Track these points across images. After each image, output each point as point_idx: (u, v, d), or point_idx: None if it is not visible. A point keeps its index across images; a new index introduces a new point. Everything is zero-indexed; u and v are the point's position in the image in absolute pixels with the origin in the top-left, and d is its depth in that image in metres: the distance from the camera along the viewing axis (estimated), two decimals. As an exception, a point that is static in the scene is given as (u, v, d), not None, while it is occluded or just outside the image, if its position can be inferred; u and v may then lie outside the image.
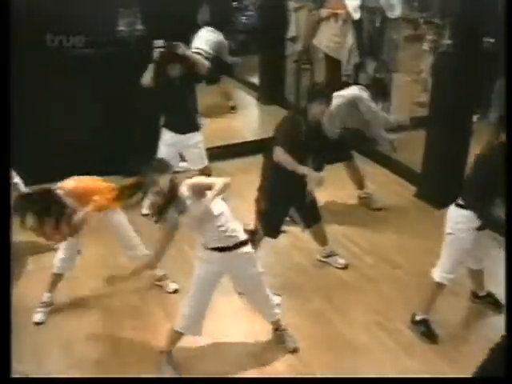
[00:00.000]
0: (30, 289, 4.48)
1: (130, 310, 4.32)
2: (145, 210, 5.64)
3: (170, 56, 5.25)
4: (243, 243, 3.59)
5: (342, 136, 5.46)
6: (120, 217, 4.25)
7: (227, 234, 3.50)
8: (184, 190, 3.37)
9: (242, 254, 3.58)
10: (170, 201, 3.39)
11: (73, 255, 4.25)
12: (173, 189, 3.39)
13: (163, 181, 3.38)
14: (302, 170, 4.14)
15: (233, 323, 4.17)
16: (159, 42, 6.03)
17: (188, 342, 3.81)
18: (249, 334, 4.05)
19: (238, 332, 4.08)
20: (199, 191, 3.36)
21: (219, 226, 3.46)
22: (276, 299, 3.86)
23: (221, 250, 3.53)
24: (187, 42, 6.65)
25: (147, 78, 5.28)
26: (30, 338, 4.03)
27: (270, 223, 4.47)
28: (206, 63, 5.60)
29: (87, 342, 4.01)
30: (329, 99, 4.45)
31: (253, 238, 3.95)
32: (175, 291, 4.41)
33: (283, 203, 4.47)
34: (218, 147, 6.55)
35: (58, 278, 4.26)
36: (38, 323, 4.18)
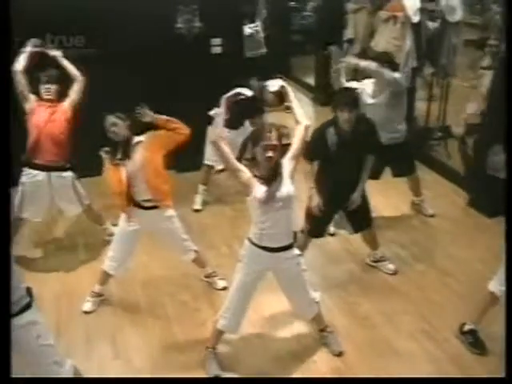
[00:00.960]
0: (84, 278, 4.59)
1: (179, 305, 4.37)
2: (197, 206, 5.76)
3: None
4: (292, 245, 3.55)
5: (405, 145, 5.34)
6: (173, 214, 4.27)
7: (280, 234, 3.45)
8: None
9: (291, 257, 3.54)
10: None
11: (122, 256, 4.28)
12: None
13: None
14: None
15: (278, 322, 4.16)
16: (216, 40, 6.10)
17: (234, 339, 3.84)
18: (294, 333, 4.04)
19: (283, 331, 4.08)
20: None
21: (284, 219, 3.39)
22: (315, 296, 3.79)
23: (271, 250, 3.48)
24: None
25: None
26: (79, 326, 4.12)
27: (316, 223, 4.46)
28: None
29: (134, 335, 4.07)
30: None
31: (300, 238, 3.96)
32: (224, 288, 4.41)
33: (331, 204, 4.41)
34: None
35: (107, 275, 4.34)
36: (86, 312, 4.27)
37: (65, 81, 4.79)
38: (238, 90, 4.81)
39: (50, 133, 4.64)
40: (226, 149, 3.33)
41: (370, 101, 5.04)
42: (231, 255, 4.75)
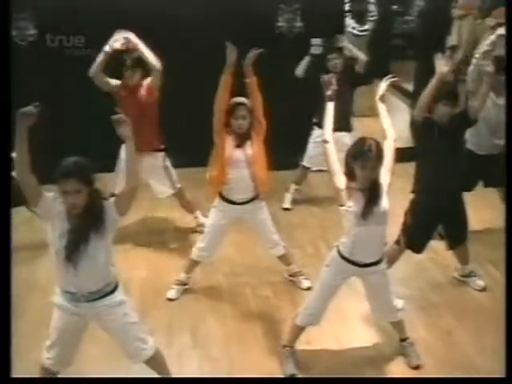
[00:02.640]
0: (170, 265, 4.71)
1: (261, 300, 4.40)
2: (286, 204, 5.79)
3: (331, 49, 5.28)
4: (382, 259, 3.47)
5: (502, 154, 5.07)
6: (264, 205, 4.31)
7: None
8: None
9: (379, 271, 3.47)
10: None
11: (213, 246, 4.37)
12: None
13: None
14: None
15: (358, 327, 4.12)
16: (317, 40, 6.09)
17: (311, 339, 3.83)
18: (372, 340, 3.99)
19: (362, 337, 4.03)
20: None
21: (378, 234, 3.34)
22: (398, 303, 3.71)
23: (360, 265, 3.41)
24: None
25: (301, 68, 5.35)
26: (162, 313, 4.23)
27: (414, 237, 4.28)
28: (365, 58, 5.56)
29: (214, 325, 4.13)
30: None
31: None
32: (308, 288, 4.40)
33: (431, 219, 4.27)
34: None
35: (194, 264, 4.43)
36: (170, 299, 4.38)
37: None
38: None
39: (140, 115, 4.72)
40: (333, 149, 3.34)
41: (499, 101, 4.77)
42: (317, 256, 4.74)
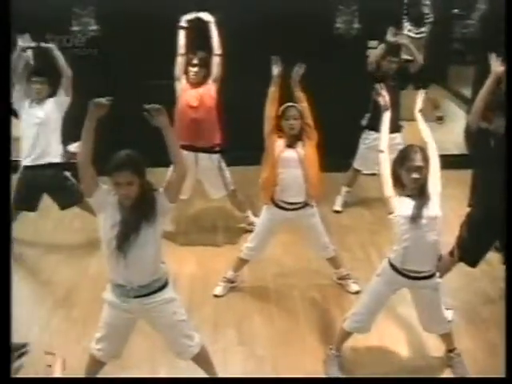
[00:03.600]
0: (219, 262, 4.74)
1: (308, 302, 4.38)
2: (337, 207, 5.76)
3: (389, 50, 5.25)
4: (435, 274, 3.40)
5: None
6: (316, 212, 4.30)
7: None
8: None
9: (431, 285, 3.39)
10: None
11: (261, 246, 4.38)
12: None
13: None
14: None
15: (406, 336, 4.05)
16: (374, 43, 6.04)
17: (359, 345, 3.82)
18: (420, 350, 3.92)
19: (410, 346, 3.96)
20: None
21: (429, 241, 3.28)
22: (448, 314, 3.63)
23: (412, 277, 3.35)
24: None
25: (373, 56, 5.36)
26: (209, 309, 4.27)
27: (469, 252, 4.14)
28: (421, 59, 5.49)
29: (260, 324, 4.14)
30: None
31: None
32: (356, 292, 4.37)
33: (487, 234, 4.09)
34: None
35: (243, 262, 4.46)
36: (217, 296, 4.42)
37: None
38: None
39: (198, 115, 4.79)
40: (387, 158, 3.34)
41: None
42: (366, 260, 4.71)
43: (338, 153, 5.67)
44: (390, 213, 3.30)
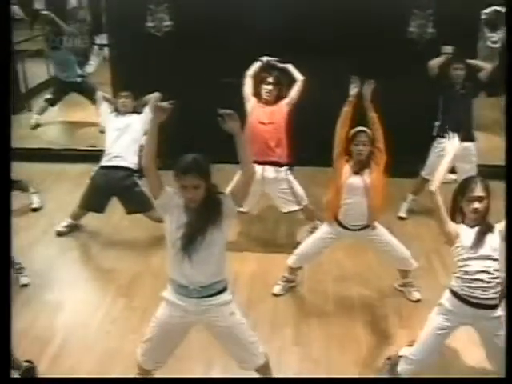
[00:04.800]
0: (279, 261, 4.69)
1: (366, 307, 4.34)
2: (402, 214, 5.67)
3: (457, 58, 5.14)
4: (498, 305, 3.22)
5: None
6: (382, 230, 4.26)
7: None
8: None
9: (495, 317, 3.21)
10: None
11: (310, 257, 4.39)
12: None
13: None
14: None
15: (465, 358, 3.85)
16: (448, 48, 5.91)
17: (418, 360, 3.67)
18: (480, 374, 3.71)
19: (469, 367, 3.79)
20: None
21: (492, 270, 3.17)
22: None
23: (476, 305, 3.20)
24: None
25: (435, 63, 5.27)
26: (267, 307, 4.28)
27: None
28: (489, 66, 5.36)
29: (317, 325, 4.12)
30: None
31: None
32: (417, 300, 4.31)
33: None
34: (485, 166, 6.18)
35: (293, 270, 4.45)
36: (276, 295, 4.43)
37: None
38: None
39: (268, 132, 4.86)
40: (439, 200, 3.29)
41: None
42: (429, 269, 4.63)
43: (406, 158, 5.59)
44: (451, 245, 3.26)
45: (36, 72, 8.94)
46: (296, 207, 5.05)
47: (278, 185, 4.97)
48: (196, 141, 6.27)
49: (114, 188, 5.06)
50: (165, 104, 2.98)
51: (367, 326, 4.12)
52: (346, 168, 4.09)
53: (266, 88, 4.90)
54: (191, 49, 6.14)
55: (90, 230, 5.45)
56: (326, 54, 5.91)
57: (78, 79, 7.81)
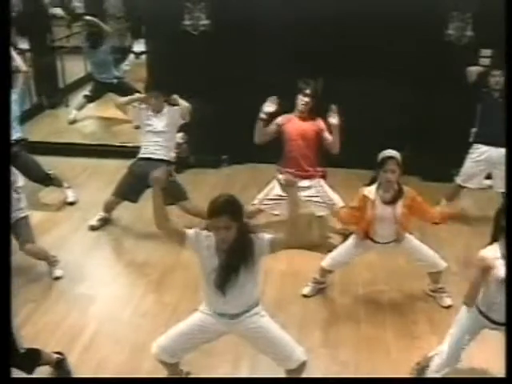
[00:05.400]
0: (311, 262, 4.70)
1: (397, 311, 4.30)
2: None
3: (497, 64, 5.07)
4: None
5: None
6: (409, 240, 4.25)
7: None
8: None
9: None
10: None
11: (343, 262, 4.39)
12: None
13: None
14: None
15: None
16: (487, 52, 5.84)
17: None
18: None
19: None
20: None
21: None
22: None
23: (496, 323, 3.20)
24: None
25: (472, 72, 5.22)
26: (296, 308, 4.27)
27: None
28: None
29: (345, 328, 4.11)
30: None
31: None
32: (448, 307, 4.26)
33: None
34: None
35: (325, 271, 4.43)
36: (305, 296, 4.42)
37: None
38: None
39: (303, 147, 4.91)
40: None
41: None
42: (460, 274, 4.56)
43: (441, 162, 5.55)
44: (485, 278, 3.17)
45: (74, 68, 9.07)
46: (328, 211, 5.05)
47: (311, 191, 4.99)
48: (228, 140, 6.40)
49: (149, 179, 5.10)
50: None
51: (397, 331, 4.09)
52: (377, 201, 4.07)
53: (303, 100, 4.88)
54: (227, 48, 6.16)
55: (123, 224, 5.52)
56: (363, 58, 5.89)
57: (115, 80, 7.90)
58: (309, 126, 4.93)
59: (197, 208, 5.16)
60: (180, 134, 5.31)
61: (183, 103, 5.19)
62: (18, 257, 4.37)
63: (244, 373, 3.67)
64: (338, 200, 5.02)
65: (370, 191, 4.09)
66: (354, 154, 5.41)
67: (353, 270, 4.61)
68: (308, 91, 4.87)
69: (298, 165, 4.92)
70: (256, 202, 5.05)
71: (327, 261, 4.38)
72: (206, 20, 6.26)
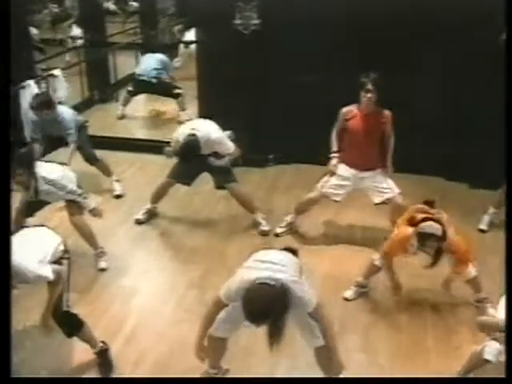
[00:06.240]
0: (354, 265, 4.68)
1: (439, 319, 4.25)
2: (482, 226, 5.51)
3: None
4: None
5: None
6: None
7: None
8: None
9: None
10: None
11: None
12: None
13: None
14: None
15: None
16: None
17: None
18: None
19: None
20: None
21: None
22: None
23: None
24: None
25: None
26: (336, 311, 4.23)
27: None
28: None
29: (385, 333, 4.08)
30: None
31: None
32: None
33: None
34: None
35: (375, 269, 4.38)
36: (346, 299, 4.41)
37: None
38: None
39: (366, 143, 4.88)
40: None
41: None
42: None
43: (489, 169, 5.43)
44: None
45: (125, 64, 9.22)
46: (390, 195, 4.98)
47: (372, 179, 5.00)
48: (275, 139, 6.40)
49: (206, 164, 5.23)
50: None
51: (438, 338, 4.04)
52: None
53: (366, 96, 4.81)
54: (276, 47, 6.16)
55: (168, 219, 5.59)
56: (414, 56, 5.82)
57: (154, 80, 7.91)
58: (373, 123, 4.87)
59: (247, 196, 5.21)
60: (228, 132, 5.33)
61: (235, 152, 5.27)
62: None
63: (282, 373, 3.68)
64: (394, 188, 5.01)
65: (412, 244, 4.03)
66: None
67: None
68: (370, 86, 4.79)
69: (358, 159, 4.91)
70: (319, 185, 5.07)
71: (376, 257, 4.34)
72: (257, 19, 6.28)
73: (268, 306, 2.85)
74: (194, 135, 5.04)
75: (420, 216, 4.01)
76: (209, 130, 5.14)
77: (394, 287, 4.30)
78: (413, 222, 4.02)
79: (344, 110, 4.95)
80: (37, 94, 6.14)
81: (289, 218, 5.31)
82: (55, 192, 4.48)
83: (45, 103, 5.64)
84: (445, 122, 6.03)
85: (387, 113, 4.89)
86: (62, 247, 3.62)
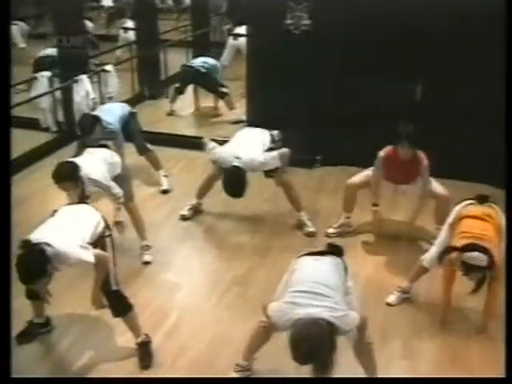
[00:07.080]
0: (394, 270, 4.67)
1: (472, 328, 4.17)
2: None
3: None
4: None
5: None
6: None
7: None
8: None
9: None
10: None
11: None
12: None
13: None
14: None
15: None
16: None
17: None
18: None
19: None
20: None
21: None
22: None
23: None
24: None
25: None
26: (378, 316, 4.16)
27: None
28: None
29: (428, 339, 4.02)
30: None
31: None
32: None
33: None
34: None
35: (423, 270, 4.32)
36: (389, 304, 4.34)
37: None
38: None
39: (401, 179, 5.00)
40: None
41: None
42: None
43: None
44: None
45: (176, 61, 9.31)
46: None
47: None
48: (322, 140, 6.37)
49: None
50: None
51: (482, 348, 3.96)
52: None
53: (402, 150, 4.78)
54: (327, 47, 6.14)
55: (213, 216, 5.63)
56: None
57: (202, 70, 7.94)
58: (409, 168, 4.86)
59: (294, 191, 5.29)
60: (275, 132, 5.32)
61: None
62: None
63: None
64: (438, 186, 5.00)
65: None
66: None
67: (439, 282, 4.47)
68: (406, 145, 4.74)
69: (399, 177, 5.01)
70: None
71: (426, 259, 4.26)
72: (308, 20, 6.26)
73: (314, 349, 2.86)
74: (237, 167, 4.94)
75: (464, 241, 3.83)
76: (252, 157, 4.98)
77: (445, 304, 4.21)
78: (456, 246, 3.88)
79: (381, 154, 4.89)
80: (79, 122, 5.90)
81: (342, 219, 5.27)
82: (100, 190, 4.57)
83: (88, 126, 5.55)
84: (498, 127, 5.87)
85: (422, 156, 4.81)
86: (102, 224, 3.67)
